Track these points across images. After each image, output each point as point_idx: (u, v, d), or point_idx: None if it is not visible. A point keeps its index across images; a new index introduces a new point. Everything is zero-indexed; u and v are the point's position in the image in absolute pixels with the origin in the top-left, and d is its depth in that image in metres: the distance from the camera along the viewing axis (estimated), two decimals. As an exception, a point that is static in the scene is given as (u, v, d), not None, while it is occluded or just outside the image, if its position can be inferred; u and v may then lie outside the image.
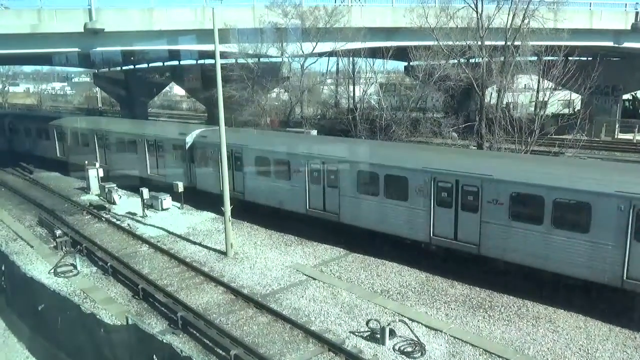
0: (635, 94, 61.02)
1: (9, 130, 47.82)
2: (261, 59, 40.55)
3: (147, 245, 22.70)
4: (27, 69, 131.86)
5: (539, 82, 41.46)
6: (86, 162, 33.60)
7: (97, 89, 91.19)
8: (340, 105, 58.24)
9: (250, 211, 24.66)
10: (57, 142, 40.24)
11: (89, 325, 12.68)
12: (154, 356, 11.02)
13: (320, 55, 42.50)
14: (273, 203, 23.88)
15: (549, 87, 32.98)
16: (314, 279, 18.64)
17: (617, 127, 50.19)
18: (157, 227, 25.13)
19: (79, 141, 37.99)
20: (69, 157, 38.65)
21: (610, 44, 44.45)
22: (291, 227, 23.53)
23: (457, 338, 14.35)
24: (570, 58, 32.47)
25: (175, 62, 57.44)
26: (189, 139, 27.84)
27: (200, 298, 17.24)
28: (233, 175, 24.79)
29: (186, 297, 17.15)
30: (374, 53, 41.82)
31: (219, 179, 23.84)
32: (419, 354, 13.61)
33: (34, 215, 27.60)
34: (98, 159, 35.19)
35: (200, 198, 27.47)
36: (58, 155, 40.15)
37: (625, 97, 56.61)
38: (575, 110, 44.51)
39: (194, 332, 14.83)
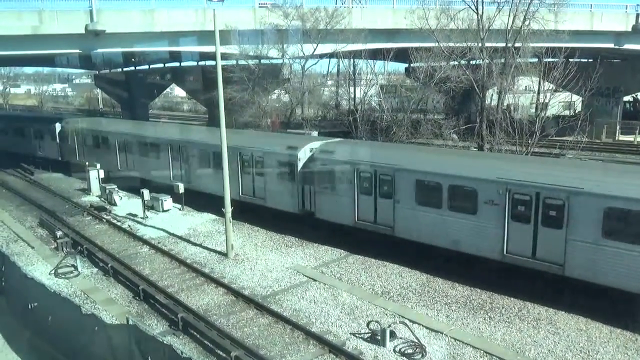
0: (636, 95, 60.95)
1: (72, 139, 39.06)
2: (262, 61, 40.58)
3: (147, 247, 22.71)
4: (28, 70, 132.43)
5: (539, 83, 41.50)
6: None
7: (98, 90, 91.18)
8: (341, 107, 58.30)
9: (400, 249, 19.82)
10: (126, 155, 33.98)
11: (89, 326, 12.68)
12: (149, 357, 11.05)
13: (321, 56, 42.58)
14: (442, 243, 18.43)
15: (550, 88, 32.98)
16: (315, 280, 18.62)
17: (617, 128, 50.19)
18: (158, 229, 25.12)
19: (148, 153, 31.82)
20: (130, 172, 33.07)
21: (611, 45, 44.51)
22: (292, 228, 23.52)
23: (457, 340, 14.33)
24: (570, 60, 32.48)
25: (176, 64, 57.52)
26: (303, 154, 22.93)
27: (201, 299, 17.24)
28: (376, 203, 20.20)
29: (187, 298, 17.15)
30: (375, 54, 41.85)
31: (354, 208, 20.76)
32: (420, 355, 13.60)
33: (34, 217, 27.61)
34: (178, 176, 29.31)
35: (321, 231, 22.44)
36: (119, 168, 34.28)
37: (626, 98, 56.60)
38: (576, 112, 44.49)
39: (195, 333, 14.82)
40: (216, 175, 24.93)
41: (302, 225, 23.19)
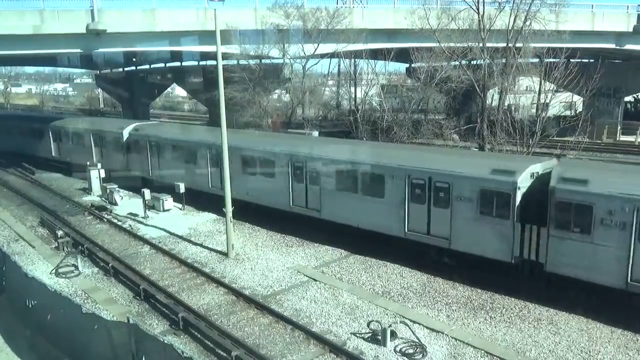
0: (638, 96, 60.95)
1: (144, 148, 32.19)
2: (263, 60, 40.62)
3: (148, 246, 22.71)
4: (30, 69, 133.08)
5: (540, 83, 41.50)
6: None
7: (99, 89, 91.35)
8: (342, 107, 58.33)
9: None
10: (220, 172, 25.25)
11: (89, 325, 12.69)
12: (150, 357, 11.06)
13: (322, 56, 42.58)
14: None
15: (551, 89, 32.95)
16: (315, 280, 18.62)
17: (619, 129, 50.18)
18: (159, 228, 25.12)
19: (258, 171, 25.46)
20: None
21: (612, 45, 44.52)
22: (292, 228, 23.52)
23: (458, 340, 14.33)
24: (571, 60, 32.49)
25: (177, 64, 57.65)
26: (523, 182, 16.89)
27: (202, 299, 17.25)
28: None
29: (187, 298, 17.16)
30: (376, 54, 41.89)
31: (627, 264, 14.80)
32: (420, 355, 13.60)
33: (35, 216, 27.61)
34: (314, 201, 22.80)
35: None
36: (211, 186, 27.50)
37: (627, 99, 56.59)
38: (577, 112, 44.47)
39: (195, 333, 14.84)
40: (362, 203, 20.49)
41: (517, 278, 17.33)
